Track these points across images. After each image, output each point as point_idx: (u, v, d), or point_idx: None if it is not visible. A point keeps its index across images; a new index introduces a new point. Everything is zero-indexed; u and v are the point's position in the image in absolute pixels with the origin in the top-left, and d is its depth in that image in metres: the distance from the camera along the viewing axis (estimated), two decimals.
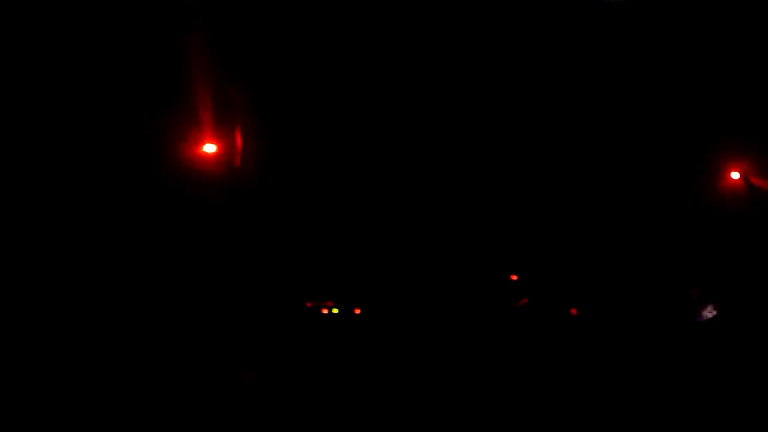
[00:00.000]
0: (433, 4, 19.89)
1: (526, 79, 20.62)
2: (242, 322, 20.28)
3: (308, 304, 20.62)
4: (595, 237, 21.32)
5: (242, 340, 20.03)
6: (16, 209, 19.68)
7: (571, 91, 20.67)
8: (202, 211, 20.68)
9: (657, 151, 21.09)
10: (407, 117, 20.78)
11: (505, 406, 18.81)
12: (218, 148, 20.55)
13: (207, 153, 20.54)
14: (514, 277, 21.10)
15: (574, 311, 20.78)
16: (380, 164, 20.96)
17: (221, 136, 20.59)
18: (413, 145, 20.91)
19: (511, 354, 20.48)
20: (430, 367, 19.92)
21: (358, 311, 20.69)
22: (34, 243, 19.69)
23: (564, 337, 20.38)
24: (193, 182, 20.55)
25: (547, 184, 21.21)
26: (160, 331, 19.77)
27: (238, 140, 20.66)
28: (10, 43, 19.37)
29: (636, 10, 19.87)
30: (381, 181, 20.99)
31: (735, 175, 21.29)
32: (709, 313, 19.71)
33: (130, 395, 18.37)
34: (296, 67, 20.60)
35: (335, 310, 20.60)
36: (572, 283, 21.25)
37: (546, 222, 21.27)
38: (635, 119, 20.90)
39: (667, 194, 21.20)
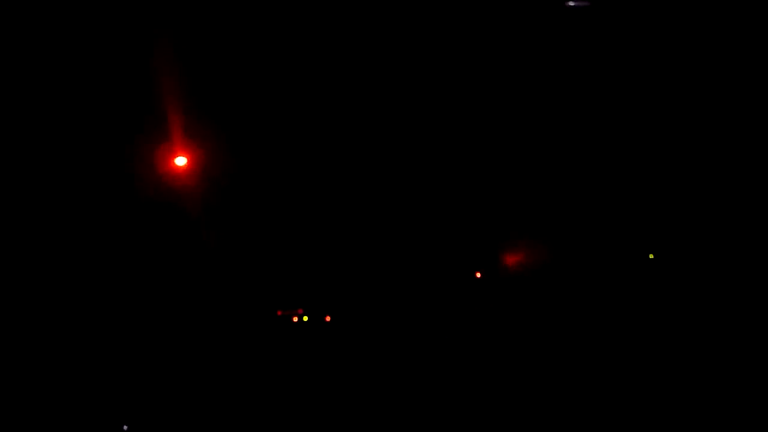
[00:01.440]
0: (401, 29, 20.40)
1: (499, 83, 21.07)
2: (215, 330, 20.60)
3: (279, 313, 20.99)
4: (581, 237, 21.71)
5: (216, 347, 20.36)
6: None
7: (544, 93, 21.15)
8: (173, 223, 20.98)
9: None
10: (379, 129, 21.22)
11: (474, 404, 19.17)
12: (188, 160, 20.85)
13: (178, 166, 20.85)
14: (479, 275, 21.57)
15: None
16: (348, 176, 21.38)
17: (192, 149, 20.90)
18: (382, 156, 21.33)
19: (481, 352, 20.93)
20: (400, 371, 20.32)
21: (328, 319, 21.09)
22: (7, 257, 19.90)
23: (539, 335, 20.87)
24: (165, 194, 20.86)
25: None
26: (131, 338, 20.07)
27: (209, 153, 21.00)
28: None
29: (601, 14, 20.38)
30: (348, 193, 21.41)
31: None
32: None
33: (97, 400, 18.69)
34: (265, 80, 20.99)
35: (306, 318, 20.98)
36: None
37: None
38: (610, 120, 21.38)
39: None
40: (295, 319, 21.02)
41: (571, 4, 19.88)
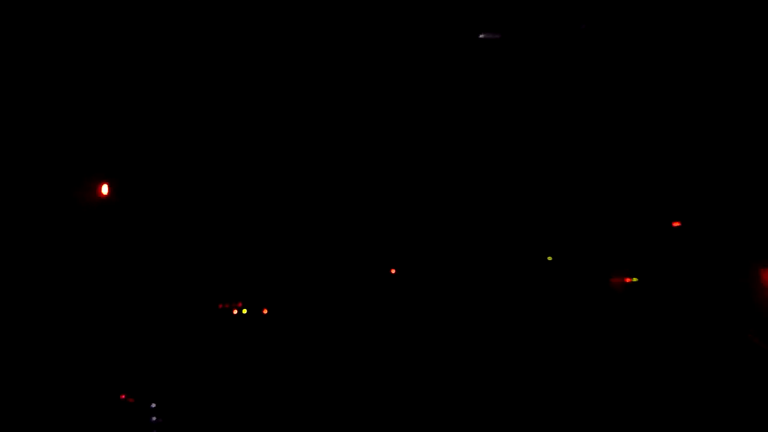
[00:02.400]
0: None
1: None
2: (158, 323, 22.21)
3: (220, 306, 22.69)
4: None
5: (159, 340, 21.98)
6: None
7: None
8: (115, 216, 22.07)
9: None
10: (308, 129, 22.03)
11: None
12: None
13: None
14: (393, 271, 22.87)
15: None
16: (276, 171, 22.35)
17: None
18: (303, 151, 22.20)
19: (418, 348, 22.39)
20: (334, 363, 21.96)
21: (265, 311, 22.80)
22: None
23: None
24: (103, 191, 21.80)
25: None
26: (76, 340, 21.53)
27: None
28: None
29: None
30: (279, 188, 22.46)
31: None
32: None
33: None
34: (191, 90, 21.73)
35: (245, 311, 22.70)
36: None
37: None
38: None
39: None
40: (235, 312, 22.74)
41: (482, 36, 20.19)
